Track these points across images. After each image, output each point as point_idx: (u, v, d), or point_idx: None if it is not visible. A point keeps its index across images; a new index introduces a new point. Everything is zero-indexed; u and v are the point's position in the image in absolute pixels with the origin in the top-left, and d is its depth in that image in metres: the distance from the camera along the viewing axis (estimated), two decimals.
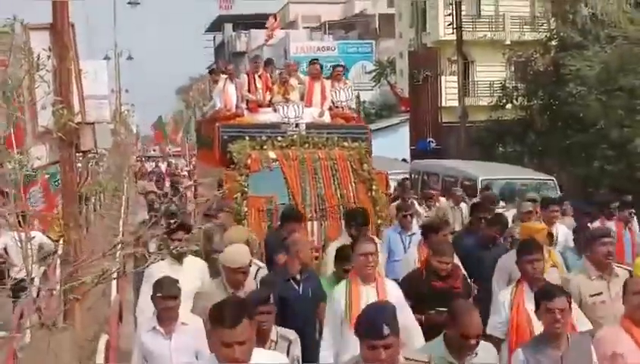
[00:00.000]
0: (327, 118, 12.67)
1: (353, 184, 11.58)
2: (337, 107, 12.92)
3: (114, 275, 5.87)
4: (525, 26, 32.01)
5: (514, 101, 26.65)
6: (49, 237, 10.37)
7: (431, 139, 30.76)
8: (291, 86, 12.59)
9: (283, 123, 12.14)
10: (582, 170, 18.72)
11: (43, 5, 7.68)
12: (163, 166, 33.71)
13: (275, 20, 50.62)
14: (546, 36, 23.77)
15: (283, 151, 11.79)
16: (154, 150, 42.67)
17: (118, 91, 44.03)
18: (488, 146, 26.26)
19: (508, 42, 32.30)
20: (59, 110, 5.96)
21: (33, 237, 5.48)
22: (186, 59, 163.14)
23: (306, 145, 12.00)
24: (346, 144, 12.12)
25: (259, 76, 12.64)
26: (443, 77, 32.68)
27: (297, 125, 12.18)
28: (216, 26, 69.13)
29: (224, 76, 12.92)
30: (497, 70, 31.69)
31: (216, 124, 12.29)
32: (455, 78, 31.59)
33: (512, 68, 29.42)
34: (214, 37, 74.10)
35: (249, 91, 12.54)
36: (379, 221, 11.37)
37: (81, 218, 11.00)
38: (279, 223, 9.60)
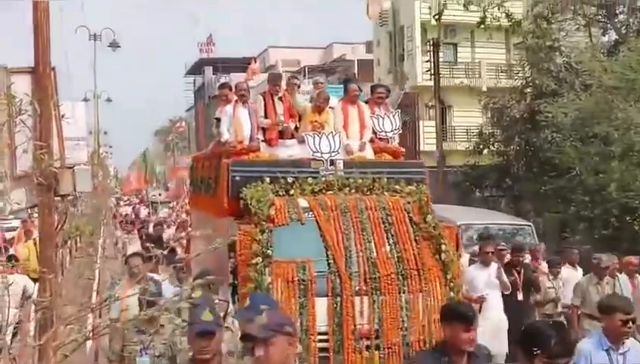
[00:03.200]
0: (369, 153, 9.40)
1: (414, 242, 8.27)
2: (379, 138, 9.66)
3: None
4: (501, 74, 31.95)
5: (491, 146, 26.48)
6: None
7: None
8: (325, 113, 9.35)
9: (315, 159, 8.85)
10: (558, 215, 18.73)
11: (25, 49, 7.75)
12: (144, 211, 29.58)
13: (255, 63, 48.48)
14: (522, 83, 23.86)
15: (317, 197, 8.50)
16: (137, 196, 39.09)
17: (96, 133, 42.26)
18: (466, 191, 26.49)
19: (485, 89, 31.78)
20: (39, 155, 5.60)
21: (11, 283, 4.68)
22: (166, 101, 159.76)
23: (347, 189, 8.72)
24: (398, 188, 8.85)
25: (280, 99, 9.34)
26: (421, 122, 32.77)
27: (333, 162, 8.88)
28: (196, 69, 68.05)
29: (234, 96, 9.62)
30: (474, 116, 31.28)
31: (223, 161, 8.96)
32: (433, 123, 30.93)
33: (489, 114, 29.33)
34: (194, 80, 72.83)
35: (265, 116, 9.25)
36: (451, 293, 8.06)
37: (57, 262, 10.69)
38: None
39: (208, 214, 10.27)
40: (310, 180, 8.68)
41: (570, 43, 20.40)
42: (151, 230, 17.43)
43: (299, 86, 10.21)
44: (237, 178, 8.66)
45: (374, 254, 8.07)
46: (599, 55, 17.02)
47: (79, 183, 8.34)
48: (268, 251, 7.81)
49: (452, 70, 33.69)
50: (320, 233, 8.12)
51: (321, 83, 9.89)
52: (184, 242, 13.02)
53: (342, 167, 8.89)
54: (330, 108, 9.60)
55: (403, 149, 9.82)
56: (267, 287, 7.69)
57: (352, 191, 8.72)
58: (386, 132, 9.68)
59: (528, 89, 22.89)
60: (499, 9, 20.10)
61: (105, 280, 14.51)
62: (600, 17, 20.21)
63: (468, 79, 33.44)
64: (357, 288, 7.83)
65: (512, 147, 24.23)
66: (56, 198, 8.57)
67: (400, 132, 9.88)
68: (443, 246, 8.25)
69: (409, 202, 8.56)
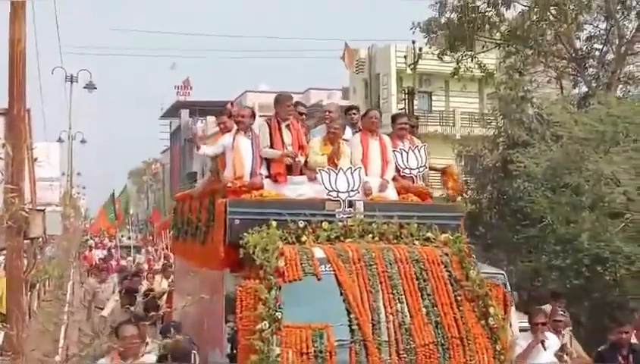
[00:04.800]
0: (391, 193, 7.79)
1: (456, 304, 6.64)
2: (402, 176, 8.08)
3: None
4: (474, 123, 31.74)
5: (464, 194, 25.15)
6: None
7: None
8: (340, 145, 7.75)
9: (330, 199, 7.23)
10: (531, 264, 18.22)
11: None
12: (114, 257, 27.23)
13: (233, 107, 47.29)
14: (494, 132, 23.39)
15: (334, 246, 6.87)
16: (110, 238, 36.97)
17: (70, 174, 41.47)
18: None
19: (458, 137, 31.43)
20: (10, 198, 5.42)
21: None
22: (140, 143, 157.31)
23: (369, 236, 7.10)
24: (431, 235, 7.25)
25: (287, 127, 7.72)
26: None
27: (352, 204, 7.26)
28: (172, 111, 66.78)
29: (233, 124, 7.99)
30: (447, 164, 30.32)
31: (219, 201, 7.29)
32: None
33: (462, 162, 29.04)
34: (170, 122, 71.53)
35: (271, 145, 7.61)
36: None
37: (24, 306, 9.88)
38: None
39: (195, 264, 8.57)
40: (325, 224, 7.06)
41: (542, 95, 20.41)
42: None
43: (305, 115, 8.62)
44: (236, 221, 7.00)
45: (408, 318, 6.42)
46: (570, 107, 16.80)
47: (49, 226, 8.62)
48: (277, 313, 6.13)
49: (427, 118, 33.72)
50: (340, 292, 6.47)
51: (330, 112, 8.29)
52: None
53: (362, 210, 7.27)
54: (344, 140, 8.01)
55: (431, 190, 8.23)
56: (275, 359, 6.00)
57: (376, 239, 7.10)
58: (410, 169, 8.10)
59: (501, 139, 22.62)
60: (472, 60, 19.58)
61: (73, 339, 12.74)
62: (570, 70, 20.06)
63: (442, 127, 33.53)
64: (388, 362, 6.17)
65: (485, 195, 23.80)
66: (25, 241, 8.57)
67: (427, 169, 8.31)
68: (491, 309, 6.62)
69: (446, 254, 6.95)
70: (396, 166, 8.04)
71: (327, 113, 8.29)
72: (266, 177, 7.59)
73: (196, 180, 48.48)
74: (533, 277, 18.83)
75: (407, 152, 8.08)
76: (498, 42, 19.18)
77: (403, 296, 6.54)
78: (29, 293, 15.35)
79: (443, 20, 18.36)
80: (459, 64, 19.41)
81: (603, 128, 13.36)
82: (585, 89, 19.29)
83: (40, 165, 26.01)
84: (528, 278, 19.13)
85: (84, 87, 36.55)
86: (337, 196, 7.24)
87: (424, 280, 6.67)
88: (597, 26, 18.63)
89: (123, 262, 25.08)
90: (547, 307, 9.60)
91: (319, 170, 7.36)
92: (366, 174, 7.67)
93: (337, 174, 7.32)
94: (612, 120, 13.25)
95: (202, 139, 8.65)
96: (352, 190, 7.30)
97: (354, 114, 8.66)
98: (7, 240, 7.67)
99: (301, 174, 7.69)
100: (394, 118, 8.58)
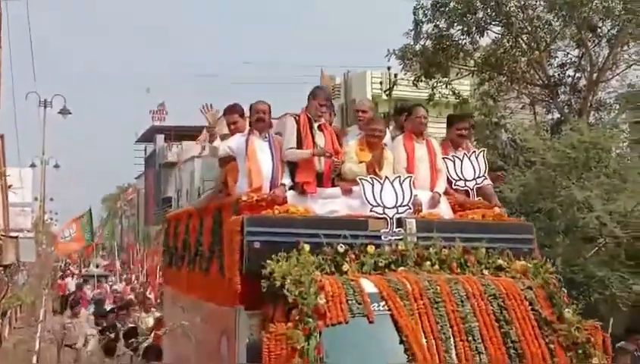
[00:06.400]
0: (445, 210, 6.17)
1: (549, 354, 5.01)
2: (455, 190, 6.48)
3: None
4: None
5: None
6: None
7: None
8: (383, 151, 6.12)
9: (375, 217, 5.60)
10: None
11: None
12: (88, 288, 24.82)
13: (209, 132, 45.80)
14: None
15: (386, 276, 5.23)
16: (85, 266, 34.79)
17: (42, 199, 39.58)
18: None
19: None
20: None
21: None
22: (114, 168, 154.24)
23: (427, 263, 5.46)
24: (502, 263, 5.63)
25: (320, 127, 6.07)
26: None
27: (400, 222, 5.63)
28: (148, 136, 64.98)
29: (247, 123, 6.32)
30: None
31: (232, 219, 5.60)
32: None
33: None
34: (145, 147, 69.65)
35: (299, 146, 5.94)
36: None
37: None
38: None
39: (194, 297, 6.88)
40: (370, 248, 5.42)
41: (515, 121, 19.72)
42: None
43: (334, 115, 6.98)
44: (256, 244, 5.32)
45: None
46: (543, 133, 16.33)
47: (22, 253, 7.79)
48: None
49: None
50: (400, 338, 4.82)
51: (365, 112, 6.67)
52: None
53: (414, 230, 5.65)
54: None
55: (497, 206, 6.60)
56: None
57: (435, 267, 5.47)
58: (465, 180, 6.52)
59: None
60: (447, 87, 18.92)
61: None
62: (543, 96, 19.41)
63: None
64: None
65: None
66: None
67: (487, 180, 6.72)
68: (594, 361, 5.00)
69: (529, 287, 5.32)
70: (447, 177, 6.45)
71: (360, 113, 6.67)
72: (289, 188, 5.94)
73: (170, 206, 46.61)
74: None
75: (461, 160, 6.49)
76: (472, 69, 18.83)
77: (481, 343, 4.90)
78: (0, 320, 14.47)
79: (417, 48, 17.97)
80: (434, 90, 18.88)
81: (576, 154, 13.38)
82: (557, 115, 18.99)
83: (15, 193, 24.42)
84: None
85: (58, 112, 34.96)
86: (384, 213, 5.61)
87: (506, 323, 5.04)
88: (569, 54, 18.64)
89: (97, 291, 23.09)
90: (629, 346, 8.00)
91: (360, 179, 5.72)
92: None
93: (382, 185, 5.70)
94: (584, 146, 13.25)
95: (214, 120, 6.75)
96: (401, 205, 5.68)
97: (363, 113, 6.85)
98: None
99: (333, 185, 6.06)
100: (452, 120, 6.97)
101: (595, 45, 17.88)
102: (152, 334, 9.51)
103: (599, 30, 17.49)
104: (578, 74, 18.50)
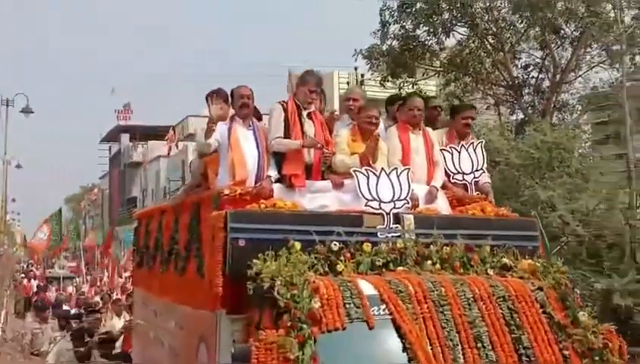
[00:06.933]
0: (443, 205, 5.71)
1: (563, 359, 4.58)
2: (453, 183, 6.02)
3: None
4: None
5: None
6: None
7: None
8: (377, 141, 5.60)
9: (371, 212, 5.11)
10: None
11: None
12: (51, 291, 23.89)
13: (174, 132, 45.31)
14: None
15: (385, 277, 4.75)
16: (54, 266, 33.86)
17: (4, 200, 38.78)
18: None
19: None
20: None
21: None
22: (78, 168, 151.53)
23: (428, 262, 4.99)
24: (507, 262, 5.19)
25: (309, 116, 5.55)
26: None
27: (399, 218, 5.15)
28: (112, 135, 63.74)
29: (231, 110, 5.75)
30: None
31: (214, 214, 5.06)
32: None
33: None
34: (109, 147, 68.43)
35: (286, 135, 5.41)
36: None
37: None
38: None
39: (168, 300, 6.33)
40: (366, 246, 4.93)
41: (480, 121, 19.14)
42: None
43: (325, 104, 6.44)
44: (241, 242, 4.80)
45: None
46: (507, 134, 16.53)
47: None
48: None
49: None
50: (403, 345, 4.34)
51: (356, 100, 6.15)
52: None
53: (413, 226, 5.17)
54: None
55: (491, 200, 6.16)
56: None
57: (437, 266, 5.00)
58: (464, 173, 6.07)
59: None
60: (413, 87, 18.61)
61: None
62: (508, 97, 19.60)
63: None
64: None
65: None
66: None
67: (485, 174, 6.28)
68: None
69: (539, 288, 4.88)
70: (445, 170, 5.99)
71: (351, 101, 6.17)
72: (275, 181, 5.42)
73: (135, 206, 45.75)
74: None
75: (459, 151, 6.04)
76: (438, 69, 18.89)
77: (492, 352, 4.45)
78: None
79: (384, 48, 17.84)
80: (401, 90, 18.35)
81: (539, 154, 13.57)
82: (521, 116, 19.12)
83: None
84: None
85: (21, 111, 33.93)
86: (380, 207, 5.13)
87: (517, 328, 4.59)
88: (532, 55, 18.86)
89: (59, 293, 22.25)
90: None
91: (354, 171, 5.23)
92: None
93: (377, 178, 5.22)
94: (547, 146, 13.43)
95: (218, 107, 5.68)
96: (398, 200, 5.20)
97: (355, 101, 6.33)
98: None
99: (322, 178, 5.56)
100: (457, 110, 6.50)
101: (559, 47, 18.12)
102: (121, 340, 8.93)
103: (562, 32, 17.68)
104: (541, 75, 18.74)
